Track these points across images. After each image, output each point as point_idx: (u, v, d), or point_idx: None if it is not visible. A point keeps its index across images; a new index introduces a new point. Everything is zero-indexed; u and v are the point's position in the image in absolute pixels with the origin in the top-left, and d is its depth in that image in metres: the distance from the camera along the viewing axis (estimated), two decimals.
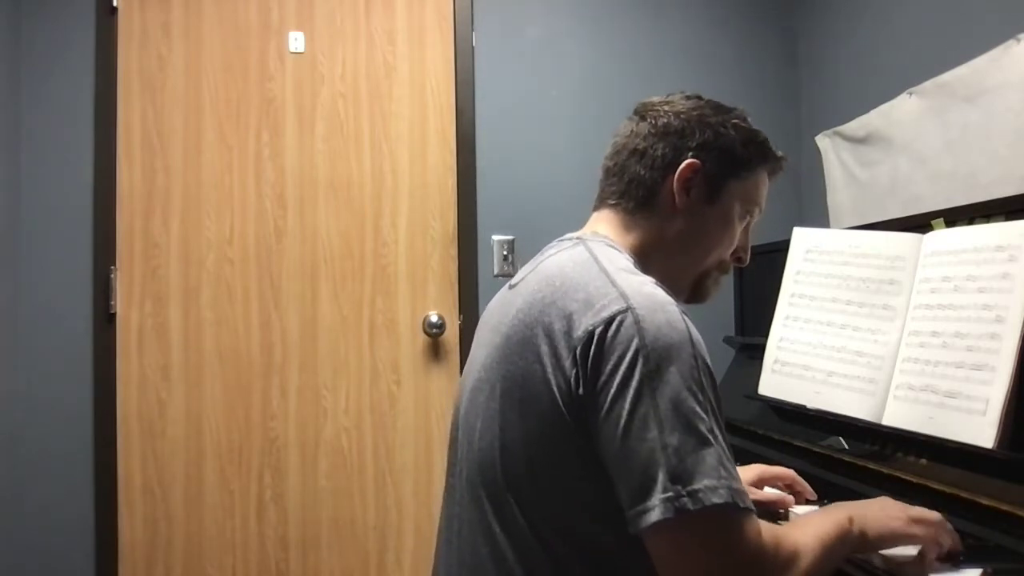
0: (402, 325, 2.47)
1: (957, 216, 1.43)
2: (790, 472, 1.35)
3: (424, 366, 2.47)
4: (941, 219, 1.45)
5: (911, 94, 1.99)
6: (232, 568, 2.38)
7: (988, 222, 1.31)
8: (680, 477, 0.80)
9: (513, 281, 1.07)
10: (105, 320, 2.35)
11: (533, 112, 2.55)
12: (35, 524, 2.29)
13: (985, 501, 1.07)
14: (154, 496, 2.36)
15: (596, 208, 1.10)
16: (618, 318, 0.86)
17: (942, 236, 1.36)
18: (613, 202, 1.06)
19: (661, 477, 0.80)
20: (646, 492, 0.81)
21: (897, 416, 1.31)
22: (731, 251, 1.09)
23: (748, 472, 1.32)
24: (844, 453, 1.40)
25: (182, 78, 2.42)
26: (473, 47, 2.52)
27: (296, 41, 2.46)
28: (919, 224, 1.51)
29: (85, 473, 2.32)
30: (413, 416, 2.46)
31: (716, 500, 0.80)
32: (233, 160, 2.43)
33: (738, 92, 2.66)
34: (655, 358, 0.84)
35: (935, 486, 1.16)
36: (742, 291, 2.23)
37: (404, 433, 2.46)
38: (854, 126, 2.24)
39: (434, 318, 2.45)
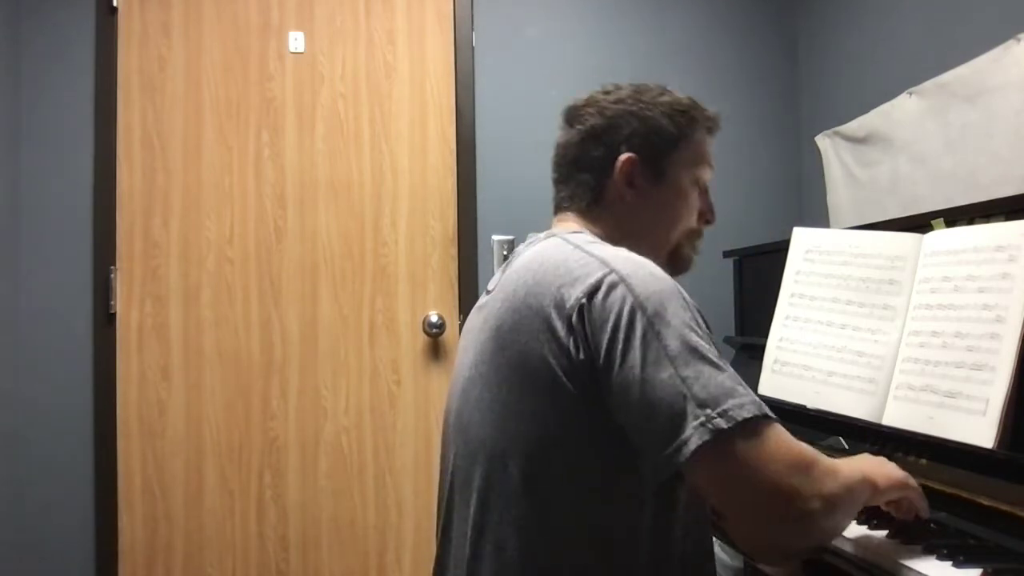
0: (402, 325, 2.47)
1: (957, 216, 1.43)
2: None
3: (424, 366, 2.47)
4: (941, 219, 1.45)
5: (911, 94, 1.99)
6: (232, 568, 2.38)
7: (988, 222, 1.31)
8: (706, 402, 0.83)
9: (489, 287, 1.10)
10: (105, 320, 2.35)
11: (533, 112, 2.54)
12: (35, 524, 2.29)
13: (985, 501, 1.07)
14: (154, 496, 2.36)
15: (554, 214, 1.13)
16: (605, 281, 0.90)
17: (942, 236, 1.36)
18: (567, 205, 1.10)
19: (689, 407, 0.83)
20: (678, 427, 0.83)
21: (897, 416, 1.31)
22: (695, 216, 1.12)
23: None
24: (844, 453, 1.40)
25: (182, 78, 2.42)
26: (473, 47, 2.52)
27: (296, 41, 2.46)
28: (919, 224, 1.51)
29: (85, 473, 2.32)
30: (413, 416, 2.46)
31: (746, 415, 0.83)
32: (233, 160, 2.43)
33: (739, 92, 2.69)
34: (651, 306, 0.87)
35: (935, 486, 1.16)
36: (742, 291, 2.23)
37: (404, 433, 2.46)
38: (854, 126, 2.24)
39: (434, 318, 2.45)
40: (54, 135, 2.35)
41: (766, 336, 1.69)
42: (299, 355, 2.43)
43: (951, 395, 1.20)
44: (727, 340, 2.14)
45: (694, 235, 1.13)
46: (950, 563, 0.99)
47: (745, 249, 2.15)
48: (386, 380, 2.46)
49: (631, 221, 1.07)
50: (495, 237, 2.50)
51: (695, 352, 0.86)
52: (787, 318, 1.64)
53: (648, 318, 0.86)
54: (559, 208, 1.12)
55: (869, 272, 1.47)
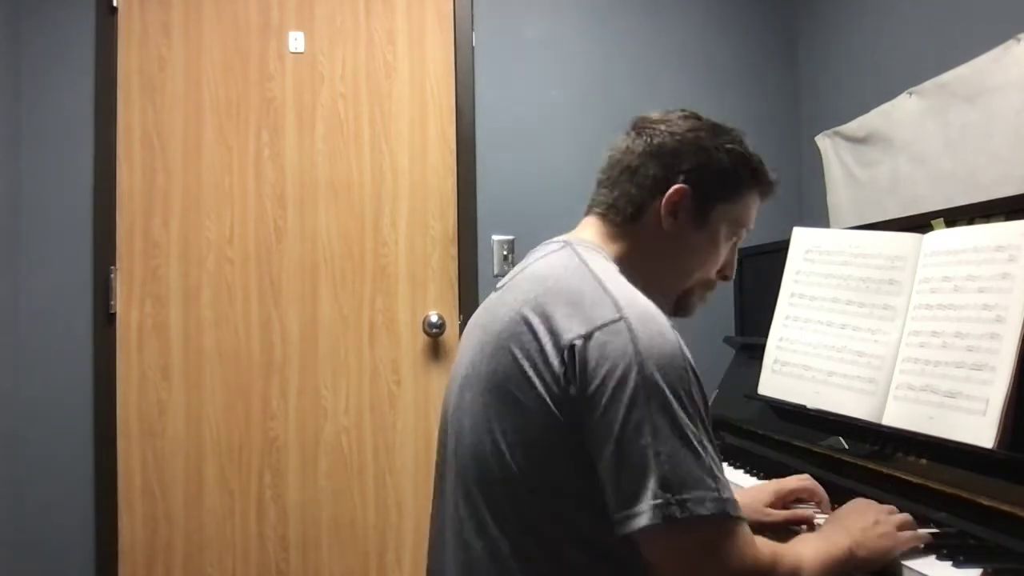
0: (402, 325, 2.47)
1: (957, 216, 1.43)
2: (807, 484, 1.28)
3: (424, 366, 2.47)
4: (941, 219, 1.45)
5: (911, 94, 1.99)
6: (232, 568, 2.38)
7: (988, 222, 1.31)
8: (670, 485, 0.81)
9: (501, 284, 1.08)
10: (105, 320, 2.35)
11: (533, 112, 2.55)
12: (35, 524, 2.29)
13: (985, 501, 1.07)
14: (154, 496, 2.36)
15: (586, 214, 1.10)
16: (612, 326, 0.87)
17: (942, 236, 1.36)
18: (601, 211, 1.07)
19: (651, 484, 0.82)
20: (635, 497, 0.82)
21: (897, 416, 1.31)
22: (716, 269, 1.10)
23: (764, 491, 1.26)
24: (844, 453, 1.40)
25: (182, 78, 2.42)
26: (473, 47, 2.52)
27: (296, 41, 2.46)
28: (919, 224, 1.51)
29: (85, 473, 2.32)
30: (413, 416, 2.46)
31: (703, 511, 0.81)
32: (233, 160, 2.43)
33: (738, 92, 2.69)
34: (650, 367, 0.85)
35: (935, 486, 1.16)
36: (742, 291, 2.23)
37: (404, 433, 2.46)
38: (854, 126, 2.24)
39: (434, 318, 2.45)
40: (54, 135, 2.35)
41: (766, 336, 1.69)
42: (299, 355, 2.43)
43: (951, 395, 1.20)
44: (727, 340, 2.14)
45: (708, 286, 1.11)
46: (950, 563, 0.99)
47: (745, 249, 2.14)
48: (386, 380, 2.46)
49: (656, 250, 1.04)
50: (495, 237, 2.50)
51: (679, 428, 0.83)
52: (787, 318, 1.65)
53: (644, 378, 0.84)
54: (591, 210, 1.09)
55: (869, 272, 1.47)
